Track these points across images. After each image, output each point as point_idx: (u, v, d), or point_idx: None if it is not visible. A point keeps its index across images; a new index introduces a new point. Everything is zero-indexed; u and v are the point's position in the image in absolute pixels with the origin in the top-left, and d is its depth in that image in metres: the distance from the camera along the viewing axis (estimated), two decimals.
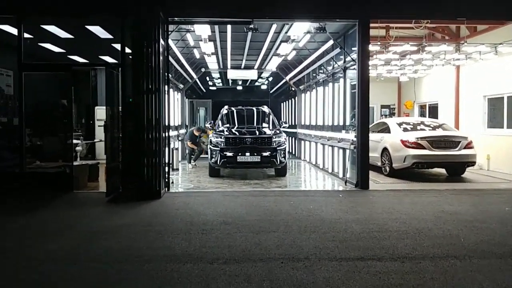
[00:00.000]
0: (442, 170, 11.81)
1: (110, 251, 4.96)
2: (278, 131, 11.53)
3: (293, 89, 19.38)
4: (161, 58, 8.14)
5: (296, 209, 7.12)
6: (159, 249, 4.99)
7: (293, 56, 14.16)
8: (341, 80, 10.96)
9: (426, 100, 18.29)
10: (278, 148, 11.04)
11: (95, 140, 13.90)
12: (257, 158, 10.85)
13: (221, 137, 11.15)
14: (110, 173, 7.98)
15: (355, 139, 9.49)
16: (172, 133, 14.13)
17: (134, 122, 7.88)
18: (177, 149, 13.70)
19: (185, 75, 15.82)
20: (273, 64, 16.83)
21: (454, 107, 15.37)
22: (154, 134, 7.87)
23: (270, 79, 22.78)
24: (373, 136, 10.53)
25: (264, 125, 12.67)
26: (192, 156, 13.97)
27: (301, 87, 17.25)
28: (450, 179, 11.00)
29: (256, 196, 8.39)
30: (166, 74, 8.65)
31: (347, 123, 10.82)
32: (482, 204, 7.74)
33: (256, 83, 25.86)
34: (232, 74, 17.89)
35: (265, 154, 10.90)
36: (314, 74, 14.71)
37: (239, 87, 27.21)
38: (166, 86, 8.69)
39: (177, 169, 13.23)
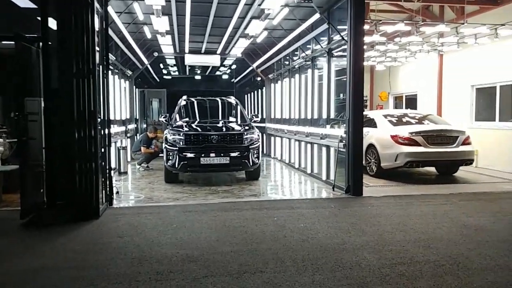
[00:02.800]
0: (431, 169, 10.66)
1: None
2: (249, 127, 9.86)
3: (259, 78, 17.77)
4: (96, 29, 6.24)
5: (284, 230, 5.53)
6: None
7: (264, 38, 12.51)
8: (324, 65, 9.45)
9: (402, 91, 17.29)
10: (250, 147, 9.39)
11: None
12: (225, 160, 9.15)
13: (179, 134, 9.34)
14: (27, 184, 6.02)
15: (344, 135, 8.02)
16: (118, 128, 12.15)
17: (60, 116, 5.96)
18: (124, 148, 11.71)
19: (134, 59, 13.77)
20: (238, 48, 15.09)
21: (436, 99, 14.38)
22: (88, 131, 5.99)
23: (234, 67, 21.00)
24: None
25: (231, 119, 10.96)
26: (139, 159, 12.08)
27: (270, 76, 15.65)
28: (444, 180, 9.86)
29: (228, 210, 6.72)
30: (105, 52, 6.73)
31: (332, 116, 9.34)
32: (503, 213, 6.57)
33: (218, 72, 23.98)
34: (190, 59, 15.95)
35: (235, 154, 9.21)
36: (288, 60, 13.13)
37: (198, 77, 25.19)
38: (105, 69, 6.78)
39: (126, 173, 11.28)
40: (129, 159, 13.33)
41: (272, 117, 15.53)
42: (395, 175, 9.76)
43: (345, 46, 8.01)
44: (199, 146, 9.19)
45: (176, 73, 24.50)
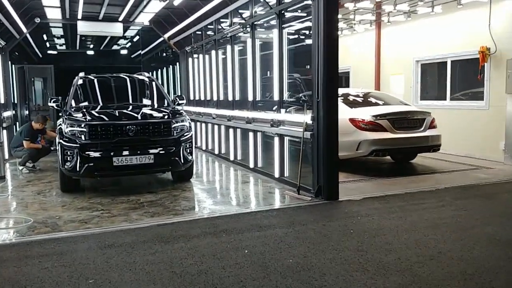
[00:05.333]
0: (384, 158, 9.58)
1: None
2: (176, 112, 7.73)
3: (171, 51, 15.45)
4: None
5: (270, 274, 3.73)
6: None
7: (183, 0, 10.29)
8: (274, 31, 7.62)
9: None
10: (181, 139, 7.32)
11: None
12: (148, 159, 6.96)
13: (80, 125, 6.91)
14: None
15: (311, 122, 6.38)
16: None
17: None
18: (0, 144, 8.83)
19: (7, 24, 10.60)
20: (147, 14, 12.63)
21: (374, 75, 13.46)
22: None
23: (136, 39, 18.17)
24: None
25: (146, 102, 8.72)
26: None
27: (187, 48, 13.43)
28: (407, 169, 8.87)
29: (170, 240, 4.68)
30: None
31: (286, 97, 7.64)
32: None
33: (115, 46, 20.81)
34: (84, 27, 13.03)
35: (160, 150, 7.08)
36: (214, 28, 11.07)
37: (91, 52, 21.68)
38: None
39: (3, 178, 8.50)
40: (7, 157, 10.36)
41: (192, 98, 13.44)
42: (349, 166, 8.41)
43: (307, 3, 6.31)
44: (110, 141, 6.88)
45: (64, 47, 20.82)
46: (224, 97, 10.95)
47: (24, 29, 12.22)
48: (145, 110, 7.62)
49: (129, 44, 19.97)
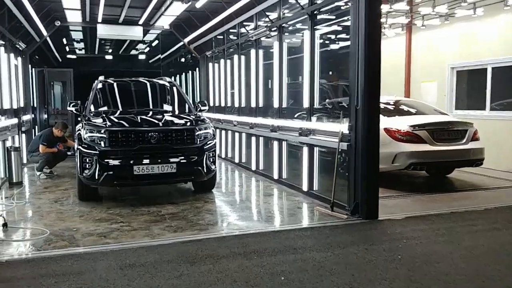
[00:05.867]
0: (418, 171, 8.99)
1: None
2: (200, 119, 7.34)
3: (191, 56, 15.16)
4: None
5: None
6: None
7: (206, 1, 9.94)
8: (305, 34, 7.18)
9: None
10: (205, 148, 6.92)
11: None
12: (170, 168, 6.57)
13: (100, 131, 6.56)
14: None
15: (348, 131, 5.91)
16: (7, 121, 9.00)
17: None
18: (17, 149, 8.56)
19: (28, 27, 10.41)
20: (168, 18, 12.35)
21: (404, 82, 12.93)
22: None
23: (155, 44, 17.93)
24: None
25: (167, 107, 8.37)
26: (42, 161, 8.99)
27: (208, 53, 13.10)
28: (446, 184, 8.30)
29: (197, 261, 4.25)
30: None
31: (317, 105, 7.17)
32: None
33: (133, 51, 20.62)
34: (104, 31, 12.83)
35: (183, 159, 6.69)
36: (237, 32, 10.70)
37: (109, 56, 21.51)
38: None
39: (20, 184, 8.23)
40: (25, 161, 10.15)
41: (211, 104, 13.07)
42: (381, 180, 7.82)
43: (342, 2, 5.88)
44: (131, 149, 6.51)
45: (83, 51, 20.76)
46: (246, 104, 10.55)
47: (45, 32, 12.05)
48: (168, 116, 7.24)
49: (148, 49, 19.78)
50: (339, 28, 7.50)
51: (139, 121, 6.85)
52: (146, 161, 6.49)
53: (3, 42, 9.19)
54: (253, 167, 9.60)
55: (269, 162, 8.85)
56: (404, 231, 5.18)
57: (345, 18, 6.39)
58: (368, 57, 5.46)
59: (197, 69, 14.99)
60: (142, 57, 21.06)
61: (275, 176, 8.44)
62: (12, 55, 10.24)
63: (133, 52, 20.88)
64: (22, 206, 6.65)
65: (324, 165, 7.04)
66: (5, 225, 5.37)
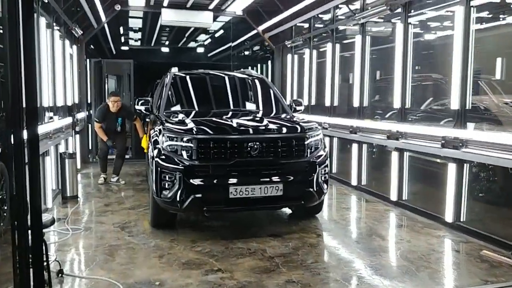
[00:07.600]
0: None
1: None
2: (308, 124, 5.62)
3: (263, 47, 13.54)
4: None
5: None
6: None
7: None
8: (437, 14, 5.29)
9: None
10: (317, 161, 5.23)
11: None
12: (275, 189, 4.92)
13: (183, 139, 4.98)
14: None
15: None
16: (61, 122, 7.70)
17: None
18: (72, 155, 7.20)
19: (86, 8, 9.08)
20: (242, 2, 10.74)
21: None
22: None
23: (219, 34, 16.42)
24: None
25: (254, 107, 6.74)
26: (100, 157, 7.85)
27: (287, 43, 11.39)
28: None
29: None
30: None
31: (469, 104, 5.30)
32: None
33: (193, 43, 19.22)
34: (169, 16, 11.39)
35: (291, 177, 5.03)
36: (334, 14, 8.90)
37: (166, 49, 20.20)
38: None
39: (76, 198, 6.90)
40: (79, 166, 8.91)
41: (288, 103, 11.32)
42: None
43: None
44: (226, 164, 4.91)
45: (139, 42, 19.60)
46: (341, 102, 8.80)
47: (103, 17, 10.77)
48: (267, 119, 5.59)
49: (209, 40, 18.32)
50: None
51: (235, 125, 5.22)
52: (245, 180, 4.87)
53: (57, 26, 7.89)
54: (354, 182, 7.84)
55: (379, 177, 7.05)
56: None
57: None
58: None
59: (268, 62, 13.34)
60: (200, 50, 19.62)
61: (392, 197, 6.64)
62: (67, 42, 8.99)
63: (192, 44, 19.48)
64: (79, 235, 5.21)
65: (483, 189, 5.19)
66: (60, 272, 3.90)
